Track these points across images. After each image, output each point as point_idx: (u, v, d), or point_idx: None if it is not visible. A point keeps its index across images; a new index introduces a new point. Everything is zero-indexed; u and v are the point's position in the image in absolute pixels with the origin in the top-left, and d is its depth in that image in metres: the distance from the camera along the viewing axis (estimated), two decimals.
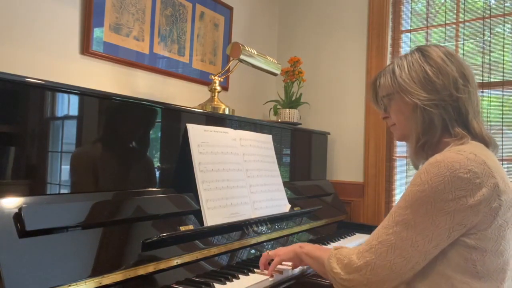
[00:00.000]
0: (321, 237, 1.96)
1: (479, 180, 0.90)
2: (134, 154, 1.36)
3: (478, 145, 1.00)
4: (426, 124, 1.03)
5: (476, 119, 1.04)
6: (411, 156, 1.11)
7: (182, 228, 1.32)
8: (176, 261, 1.24)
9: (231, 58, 1.97)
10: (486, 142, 1.03)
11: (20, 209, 0.96)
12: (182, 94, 2.21)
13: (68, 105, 1.16)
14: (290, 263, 1.35)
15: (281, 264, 1.33)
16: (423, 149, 1.05)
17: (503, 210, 0.93)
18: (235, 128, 1.73)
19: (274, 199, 1.79)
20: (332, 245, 1.84)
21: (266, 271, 1.32)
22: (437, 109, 1.01)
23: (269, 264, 1.34)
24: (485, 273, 0.92)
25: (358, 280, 0.98)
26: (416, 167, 1.12)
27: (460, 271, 0.93)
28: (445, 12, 2.36)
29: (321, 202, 2.20)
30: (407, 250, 0.93)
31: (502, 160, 2.11)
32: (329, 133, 2.59)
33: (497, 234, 0.93)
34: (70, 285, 0.96)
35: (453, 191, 0.90)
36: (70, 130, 1.16)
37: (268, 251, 1.36)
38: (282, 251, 1.29)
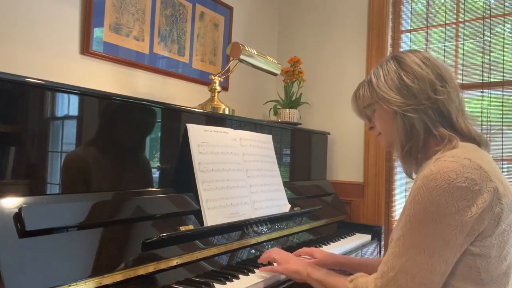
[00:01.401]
0: (321, 237, 1.96)
1: (478, 186, 0.89)
2: (134, 154, 1.36)
3: (470, 147, 0.99)
4: (408, 130, 1.02)
5: (462, 118, 1.03)
6: (401, 164, 1.10)
7: (182, 228, 1.32)
8: (176, 261, 1.24)
9: (231, 58, 1.97)
10: (477, 141, 1.02)
11: (20, 209, 0.96)
12: (182, 94, 2.21)
13: (68, 105, 1.16)
14: None
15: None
16: (410, 154, 1.04)
17: (505, 214, 0.92)
18: (235, 128, 1.73)
19: (274, 199, 1.79)
20: (333, 245, 1.84)
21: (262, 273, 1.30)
22: (417, 113, 1.01)
23: (269, 263, 1.34)
24: (489, 280, 0.91)
25: None
26: (409, 175, 1.11)
27: (463, 279, 0.91)
28: (445, 12, 2.36)
29: (321, 202, 2.20)
30: (425, 276, 0.90)
31: (502, 160, 2.10)
32: (329, 133, 2.59)
33: (500, 239, 0.91)
34: (70, 285, 0.96)
35: (455, 203, 0.88)
36: (70, 130, 1.16)
37: (274, 253, 1.33)
38: (290, 265, 1.24)
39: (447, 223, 0.89)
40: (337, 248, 1.80)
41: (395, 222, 2.44)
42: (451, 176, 0.89)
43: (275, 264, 1.32)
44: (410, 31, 2.49)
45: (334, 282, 1.10)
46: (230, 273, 1.26)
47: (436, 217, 0.89)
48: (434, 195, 0.90)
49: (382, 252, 2.24)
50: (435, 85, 1.01)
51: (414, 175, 1.10)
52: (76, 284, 0.97)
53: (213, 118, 1.67)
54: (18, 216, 0.95)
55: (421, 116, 1.01)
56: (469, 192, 0.89)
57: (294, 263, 1.25)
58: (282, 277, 1.33)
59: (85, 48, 1.75)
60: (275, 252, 1.34)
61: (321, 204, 2.14)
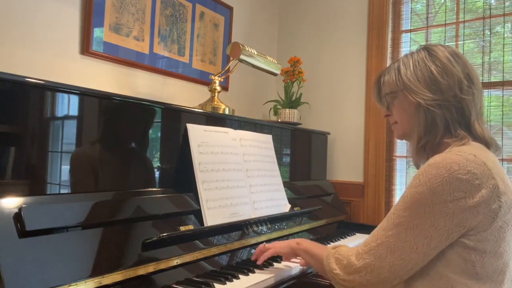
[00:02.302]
0: (321, 237, 1.96)
1: (478, 181, 0.90)
2: (134, 154, 1.36)
3: (478, 146, 1.00)
4: (428, 124, 1.02)
5: (479, 122, 1.03)
6: (412, 156, 1.10)
7: (182, 228, 1.32)
8: (176, 261, 1.23)
9: (231, 58, 1.97)
10: (488, 143, 1.02)
11: (20, 209, 0.96)
12: (182, 94, 2.21)
13: (68, 105, 1.16)
14: (295, 263, 1.37)
15: (278, 262, 1.36)
16: (424, 149, 1.05)
17: (503, 212, 0.92)
18: (235, 128, 1.73)
19: (274, 199, 1.79)
20: (332, 245, 1.84)
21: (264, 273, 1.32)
22: (440, 109, 1.00)
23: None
24: (485, 275, 0.92)
25: (358, 281, 0.99)
26: (417, 166, 1.11)
27: (459, 272, 0.92)
28: (445, 12, 2.36)
29: (321, 202, 2.20)
30: (406, 252, 0.93)
31: (502, 160, 2.10)
32: (329, 133, 2.59)
33: (496, 236, 0.92)
34: (70, 285, 0.96)
35: (451, 193, 0.90)
36: (70, 130, 1.16)
37: (264, 243, 1.38)
38: (278, 244, 1.33)
39: (439, 209, 0.90)
40: None
41: None
42: (453, 167, 0.90)
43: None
44: (410, 31, 2.49)
45: (319, 250, 1.16)
46: (230, 273, 1.26)
47: (430, 202, 0.91)
48: (432, 181, 0.91)
49: None
50: (463, 84, 1.01)
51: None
52: (76, 284, 0.97)
53: (213, 118, 1.67)
54: (18, 216, 0.95)
55: (443, 112, 1.01)
56: (468, 185, 0.90)
57: (282, 243, 1.33)
58: (283, 277, 1.33)
59: (85, 48, 1.75)
60: (263, 245, 1.38)
61: (321, 204, 2.14)
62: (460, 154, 0.93)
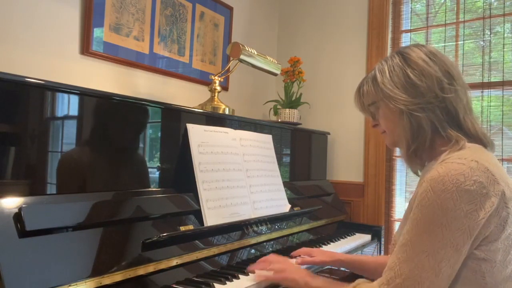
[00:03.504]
0: (321, 237, 1.96)
1: (486, 190, 0.87)
2: (134, 154, 1.36)
3: (476, 148, 0.97)
4: (414, 129, 0.99)
5: (469, 118, 1.00)
6: (406, 163, 1.07)
7: (182, 228, 1.32)
8: (176, 261, 1.24)
9: (231, 58, 1.97)
10: (483, 142, 1.00)
11: (20, 209, 0.96)
12: (182, 94, 2.21)
13: (68, 105, 1.16)
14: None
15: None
16: (416, 154, 1.01)
17: (511, 219, 0.90)
18: (235, 128, 1.73)
19: (274, 199, 1.79)
20: (333, 245, 1.84)
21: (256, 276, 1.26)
22: (424, 112, 0.97)
23: None
24: (493, 284, 0.89)
25: None
26: (415, 172, 1.09)
27: (467, 283, 0.90)
28: (445, 12, 2.36)
29: (321, 202, 2.20)
30: (433, 281, 0.88)
31: (502, 160, 2.10)
32: (329, 133, 2.59)
33: (506, 244, 0.90)
34: (70, 285, 0.96)
35: (463, 207, 0.86)
36: (70, 130, 1.16)
37: (273, 259, 1.28)
38: (286, 273, 1.18)
39: (455, 227, 0.86)
40: (337, 248, 1.80)
41: (395, 222, 2.45)
42: (459, 179, 0.87)
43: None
44: (410, 31, 2.49)
45: (333, 285, 1.08)
46: (230, 273, 1.26)
47: (445, 221, 0.87)
48: (442, 198, 0.87)
49: (382, 252, 2.24)
50: (443, 83, 0.98)
51: (419, 173, 1.09)
52: (76, 284, 0.97)
53: (213, 118, 1.67)
54: (18, 216, 0.95)
55: (428, 115, 0.97)
56: (477, 195, 0.86)
57: (290, 271, 1.18)
58: None
59: (85, 48, 1.75)
60: (271, 260, 1.29)
61: (321, 204, 2.14)
62: (463, 163, 0.89)
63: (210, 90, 1.94)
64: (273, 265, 1.24)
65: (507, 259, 0.91)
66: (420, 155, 1.02)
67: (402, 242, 0.92)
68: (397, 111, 1.00)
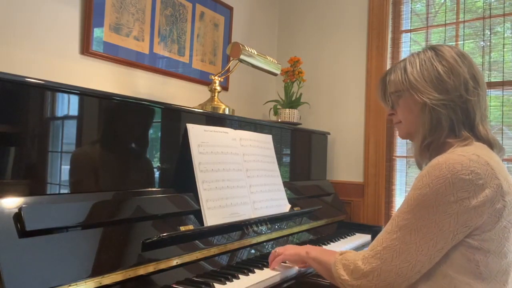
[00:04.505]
0: (321, 237, 1.96)
1: (482, 181, 0.90)
2: (134, 154, 1.36)
3: (482, 146, 0.99)
4: (433, 124, 1.02)
5: (483, 123, 1.03)
6: (415, 155, 1.10)
7: (182, 228, 1.32)
8: (176, 261, 1.24)
9: (231, 58, 1.97)
10: (491, 144, 1.02)
11: (20, 209, 0.96)
12: (182, 94, 2.21)
13: (68, 105, 1.16)
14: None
15: (285, 262, 1.38)
16: (428, 149, 1.04)
17: (507, 212, 0.92)
18: (235, 128, 1.73)
19: (274, 199, 1.79)
20: (333, 245, 1.84)
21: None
22: (446, 109, 1.00)
23: None
24: (488, 275, 0.92)
25: (366, 285, 0.99)
26: (420, 167, 1.11)
27: (462, 272, 0.92)
28: (445, 12, 2.36)
29: (321, 202, 2.20)
30: (412, 254, 0.93)
31: (502, 160, 2.10)
32: (329, 133, 2.59)
33: (501, 236, 0.92)
34: (70, 285, 0.96)
35: (455, 193, 0.89)
36: (70, 130, 1.16)
37: (276, 249, 1.38)
38: (289, 250, 1.33)
39: (443, 210, 0.90)
40: (337, 248, 1.80)
41: None
42: (456, 168, 0.90)
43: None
44: (410, 31, 2.49)
45: (327, 257, 1.15)
46: (230, 273, 1.26)
47: (434, 203, 0.91)
48: (435, 183, 0.91)
49: None
50: (469, 84, 1.01)
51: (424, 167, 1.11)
52: (76, 284, 0.97)
53: (213, 118, 1.67)
54: (18, 216, 0.95)
55: (449, 112, 1.00)
56: (471, 185, 0.89)
57: (292, 249, 1.33)
58: (283, 276, 1.33)
59: (85, 48, 1.75)
60: (277, 249, 1.38)
61: (321, 204, 2.14)
62: (463, 155, 0.93)
63: (210, 90, 1.94)
64: (277, 249, 1.38)
65: (502, 251, 0.93)
66: (431, 150, 1.04)
67: (392, 218, 0.99)
68: (421, 104, 1.03)
